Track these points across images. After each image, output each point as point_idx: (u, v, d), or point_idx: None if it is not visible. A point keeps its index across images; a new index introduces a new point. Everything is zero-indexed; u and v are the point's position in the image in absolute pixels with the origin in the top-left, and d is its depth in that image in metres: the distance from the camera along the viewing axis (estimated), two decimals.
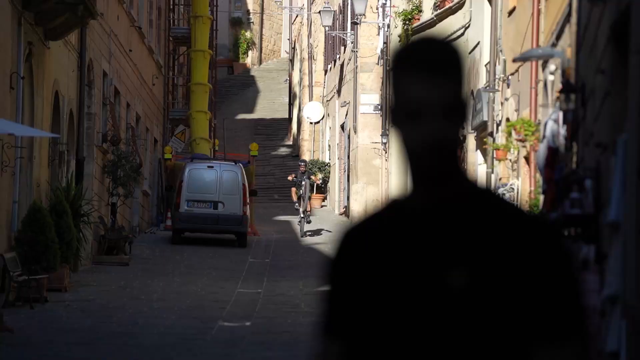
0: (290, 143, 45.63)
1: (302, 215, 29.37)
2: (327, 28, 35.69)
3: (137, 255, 24.61)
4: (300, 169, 30.39)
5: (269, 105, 50.72)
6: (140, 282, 20.78)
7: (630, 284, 6.55)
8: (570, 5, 11.60)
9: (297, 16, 47.56)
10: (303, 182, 29.78)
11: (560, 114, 11.08)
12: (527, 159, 15.85)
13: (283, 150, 45.06)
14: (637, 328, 6.17)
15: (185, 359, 12.46)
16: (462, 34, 20.96)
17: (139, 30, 28.95)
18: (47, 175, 20.16)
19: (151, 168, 31.76)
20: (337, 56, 36.68)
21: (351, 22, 32.37)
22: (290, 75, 48.77)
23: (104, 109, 24.88)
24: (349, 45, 33.51)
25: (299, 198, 29.74)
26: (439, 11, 22.12)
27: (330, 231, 28.63)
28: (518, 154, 16.38)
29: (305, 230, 29.30)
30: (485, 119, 18.21)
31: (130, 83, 28.16)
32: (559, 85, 11.63)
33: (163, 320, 15.79)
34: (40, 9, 18.39)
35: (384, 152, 26.90)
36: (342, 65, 35.57)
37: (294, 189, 30.12)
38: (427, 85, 2.23)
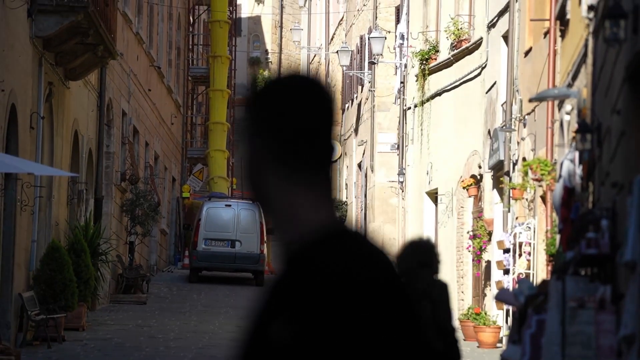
0: None
1: None
2: (344, 68, 35.88)
3: (155, 294, 24.64)
4: None
5: None
6: (157, 321, 20.80)
7: None
8: (586, 46, 11.67)
9: (315, 56, 47.81)
10: None
11: (576, 154, 11.12)
12: (543, 198, 15.86)
13: None
14: None
15: None
16: (479, 74, 21.04)
17: (158, 70, 29.17)
18: (66, 214, 20.26)
19: (169, 207, 31.87)
20: (355, 95, 36.83)
21: (368, 62, 32.53)
22: None
23: (122, 148, 25.03)
24: (367, 85, 33.66)
25: None
26: (455, 51, 22.23)
27: None
28: (534, 193, 16.40)
29: None
30: (502, 158, 18.25)
31: (149, 122, 28.33)
32: (575, 125, 11.67)
33: (180, 359, 15.79)
34: (61, 49, 18.57)
35: (400, 190, 26.95)
36: (359, 105, 35.72)
37: None
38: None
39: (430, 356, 1.90)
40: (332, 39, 41.64)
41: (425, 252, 7.88)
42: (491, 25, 20.23)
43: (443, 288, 7.92)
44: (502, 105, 18.68)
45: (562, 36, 14.57)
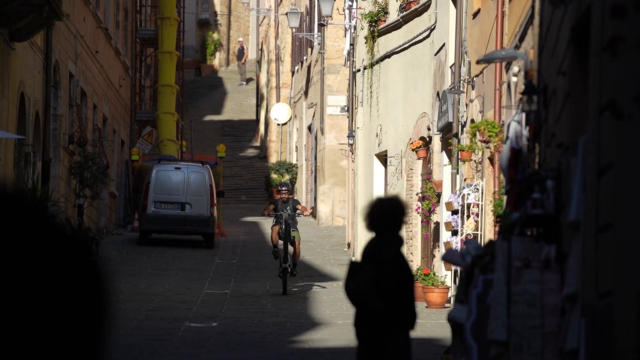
0: (258, 144, 45.64)
1: (285, 266, 19.74)
2: (294, 30, 35.75)
3: (104, 257, 24.56)
4: (282, 196, 20.15)
5: (236, 106, 50.71)
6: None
7: (589, 282, 6.65)
8: (533, 7, 11.73)
9: (264, 18, 47.58)
10: (285, 215, 19.89)
11: (523, 115, 11.19)
12: (491, 160, 15.97)
13: (250, 152, 45.06)
14: (595, 326, 6.27)
15: None
16: (428, 36, 21.07)
17: (105, 31, 28.89)
18: (13, 177, 20.09)
19: (118, 169, 31.70)
20: (304, 58, 36.75)
21: (318, 24, 32.45)
22: (257, 77, 48.76)
23: (70, 110, 24.81)
24: (316, 47, 33.59)
25: (282, 239, 20.01)
26: (404, 13, 22.23)
27: (324, 287, 20.46)
28: (482, 155, 16.51)
29: (288, 286, 19.93)
30: (451, 120, 18.33)
31: (97, 84, 28.09)
32: (521, 87, 11.74)
33: (130, 321, 15.79)
34: (5, 10, 18.34)
35: (350, 153, 27.00)
36: (309, 67, 35.65)
37: (275, 228, 20.10)
38: None
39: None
40: (281, 1, 41.46)
41: (389, 211, 7.90)
42: None
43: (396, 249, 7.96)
44: (450, 67, 18.74)
45: None
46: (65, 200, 23.90)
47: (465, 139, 17.52)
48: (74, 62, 24.94)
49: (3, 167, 19.22)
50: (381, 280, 7.68)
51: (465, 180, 17.62)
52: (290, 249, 20.27)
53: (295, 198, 21.08)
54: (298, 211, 20.26)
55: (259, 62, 49.00)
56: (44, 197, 20.65)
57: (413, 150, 21.04)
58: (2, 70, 18.80)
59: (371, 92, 23.58)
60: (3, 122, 18.91)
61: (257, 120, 46.88)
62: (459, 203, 17.25)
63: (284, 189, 20.46)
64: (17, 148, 20.37)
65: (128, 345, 13.61)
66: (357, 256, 23.76)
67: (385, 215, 7.83)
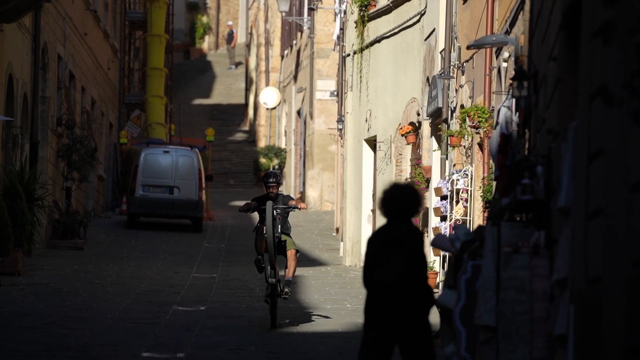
0: (247, 128, 45.58)
1: (272, 282, 14.13)
2: (283, 14, 35.67)
3: (92, 240, 24.51)
4: (270, 191, 14.38)
5: (225, 90, 50.61)
6: (94, 266, 20.72)
7: (578, 268, 6.65)
8: None
9: (254, 1, 47.46)
10: (275, 212, 14.09)
11: (513, 101, 11.18)
12: (480, 145, 15.97)
13: (239, 136, 45.00)
14: (584, 312, 6.27)
15: (139, 343, 12.46)
16: (418, 21, 21.04)
17: (94, 13, 28.78)
18: (1, 159, 20.02)
19: (106, 152, 31.62)
20: (294, 42, 36.67)
21: (308, 8, 32.37)
22: (246, 61, 48.66)
23: (58, 92, 24.73)
24: (306, 31, 33.52)
25: (267, 248, 14.17)
26: None
27: (329, 317, 15.22)
28: (472, 140, 16.50)
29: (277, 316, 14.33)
30: (440, 105, 18.32)
31: (85, 67, 27.99)
32: (512, 73, 11.72)
33: (117, 304, 15.77)
34: None
35: (339, 138, 26.96)
36: (298, 51, 35.57)
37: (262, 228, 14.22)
38: None
39: None
40: None
41: (404, 197, 7.78)
42: None
43: (417, 235, 7.88)
44: (440, 52, 18.71)
45: None
46: (53, 182, 23.83)
47: (454, 125, 17.51)
48: (62, 44, 24.84)
49: None
50: (415, 266, 7.63)
51: (454, 165, 17.62)
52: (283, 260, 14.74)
53: (286, 194, 15.21)
54: (291, 205, 14.33)
55: (248, 45, 48.90)
56: (31, 179, 20.59)
57: (402, 135, 21.02)
58: None
59: (361, 76, 23.55)
60: None
61: (246, 104, 46.81)
62: (448, 188, 17.24)
63: (271, 180, 14.38)
64: (5, 130, 20.29)
65: (116, 328, 13.59)
66: (347, 241, 23.76)
67: (406, 201, 7.70)
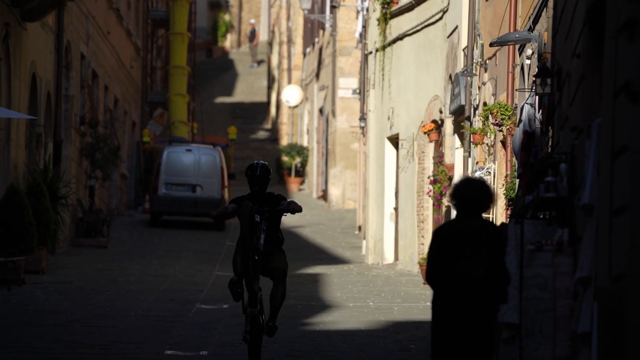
0: (269, 127, 45.61)
1: (253, 312, 10.74)
2: (305, 11, 35.67)
3: (115, 238, 24.59)
4: (256, 189, 10.93)
5: (247, 88, 50.66)
6: (117, 264, 20.78)
7: (601, 266, 6.62)
8: None
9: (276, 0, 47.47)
10: (258, 217, 10.68)
11: (537, 98, 11.16)
12: (503, 143, 15.92)
13: (262, 134, 45.03)
14: (607, 310, 6.24)
15: (162, 341, 12.49)
16: (441, 18, 20.99)
17: (116, 12, 28.86)
18: (25, 158, 20.11)
19: (129, 151, 31.72)
20: (316, 40, 36.67)
21: (330, 6, 32.35)
22: (268, 59, 48.69)
23: (81, 91, 24.81)
24: (328, 29, 33.50)
25: (246, 268, 10.62)
26: None
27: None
28: (495, 138, 16.46)
29: None
30: (463, 103, 18.27)
31: (108, 65, 28.08)
32: (535, 70, 11.69)
33: (140, 302, 15.81)
34: None
35: (362, 136, 26.94)
36: (320, 49, 35.57)
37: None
38: None
39: None
40: None
41: (479, 192, 7.49)
42: None
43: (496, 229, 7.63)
44: (463, 49, 18.66)
45: None
46: (77, 181, 23.92)
47: (477, 122, 17.46)
48: (85, 43, 24.92)
49: (15, 147, 19.23)
50: (497, 261, 7.40)
51: (477, 163, 17.58)
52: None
53: (277, 194, 11.18)
54: (282, 207, 10.81)
55: (270, 43, 48.92)
56: (55, 178, 20.67)
57: (425, 133, 20.98)
58: (13, 50, 18.79)
59: (383, 74, 23.52)
60: (15, 102, 18.91)
61: (268, 102, 46.84)
62: None
63: (257, 174, 10.80)
64: (29, 129, 20.37)
65: (139, 326, 13.63)
66: (369, 239, 23.75)
67: (480, 196, 7.47)
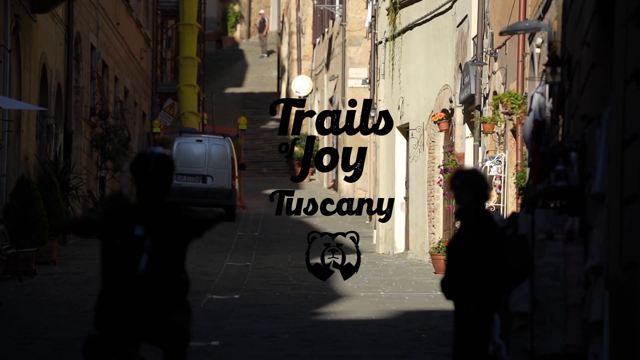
0: (279, 117, 45.60)
1: None
2: (315, 1, 35.63)
3: None
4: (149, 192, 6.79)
5: (257, 79, 50.65)
6: None
7: (613, 255, 6.61)
8: None
9: None
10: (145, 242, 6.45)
11: (547, 87, 11.13)
12: (513, 132, 15.90)
13: (272, 124, 45.04)
14: (619, 298, 6.24)
15: None
16: (450, 7, 20.96)
17: (126, 3, 28.86)
18: (35, 149, 20.15)
19: (140, 142, 31.75)
20: (326, 30, 36.64)
21: None
22: (278, 49, 48.68)
23: (92, 82, 24.84)
24: (337, 19, 33.47)
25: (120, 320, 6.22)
26: None
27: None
28: (505, 127, 16.43)
29: None
30: (473, 92, 18.24)
31: (118, 57, 28.10)
32: (545, 59, 11.66)
33: None
34: None
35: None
36: (330, 39, 35.54)
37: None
38: None
39: None
40: None
41: (478, 183, 7.37)
42: None
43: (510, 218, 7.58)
44: (473, 39, 18.63)
45: None
46: (87, 172, 23.96)
47: (487, 111, 17.44)
48: (95, 34, 24.94)
49: (26, 138, 19.27)
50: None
51: (487, 152, 17.56)
52: None
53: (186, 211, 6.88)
54: (196, 221, 6.80)
55: (280, 34, 48.90)
56: (66, 169, 20.71)
57: (435, 122, 20.97)
58: (24, 42, 18.81)
59: (393, 64, 23.50)
60: (25, 94, 18.94)
61: (279, 92, 46.83)
62: None
63: (151, 169, 6.79)
64: (39, 120, 20.41)
65: None
66: (380, 229, 23.73)
67: (483, 185, 7.37)
